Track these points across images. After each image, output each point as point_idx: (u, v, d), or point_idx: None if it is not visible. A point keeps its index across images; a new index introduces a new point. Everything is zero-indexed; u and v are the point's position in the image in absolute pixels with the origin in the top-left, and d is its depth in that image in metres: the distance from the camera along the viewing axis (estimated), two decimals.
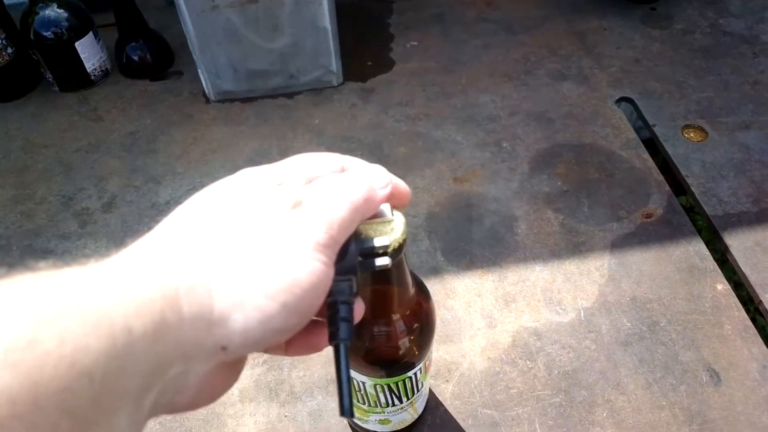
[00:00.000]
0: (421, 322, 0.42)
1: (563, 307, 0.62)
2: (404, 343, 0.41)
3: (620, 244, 0.68)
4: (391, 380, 0.43)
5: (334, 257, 0.27)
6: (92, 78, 0.90)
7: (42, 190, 0.77)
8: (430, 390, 0.56)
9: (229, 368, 0.26)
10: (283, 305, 0.24)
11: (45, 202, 0.76)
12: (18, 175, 0.79)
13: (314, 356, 0.59)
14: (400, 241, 0.31)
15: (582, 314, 0.62)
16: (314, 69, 0.85)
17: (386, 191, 0.30)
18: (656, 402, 0.55)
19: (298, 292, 0.24)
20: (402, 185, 0.32)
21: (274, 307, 0.24)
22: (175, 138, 0.83)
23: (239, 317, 0.24)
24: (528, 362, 0.58)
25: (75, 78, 0.89)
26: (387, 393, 0.44)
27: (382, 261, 0.31)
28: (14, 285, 0.19)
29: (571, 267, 0.66)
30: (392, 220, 0.31)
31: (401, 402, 0.46)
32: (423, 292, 0.42)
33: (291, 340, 0.28)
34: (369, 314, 0.40)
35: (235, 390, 0.57)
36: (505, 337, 0.60)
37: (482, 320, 0.61)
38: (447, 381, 0.57)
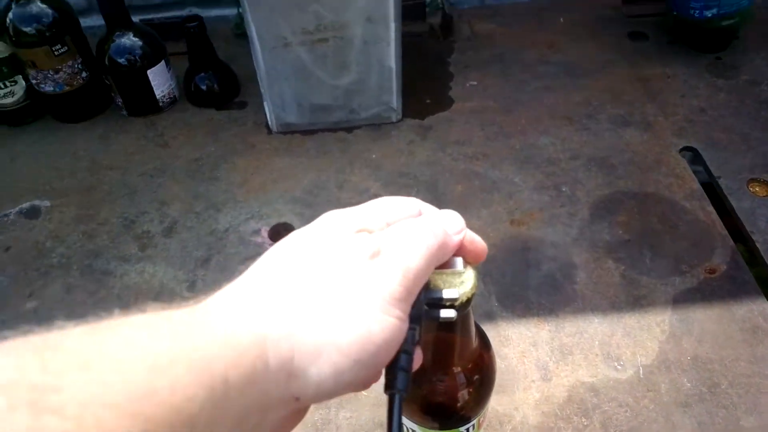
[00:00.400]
0: (482, 375, 0.41)
1: (622, 363, 0.60)
2: (462, 395, 0.40)
3: (682, 299, 0.65)
4: None
5: (408, 310, 0.27)
6: (160, 104, 0.94)
7: (105, 211, 0.80)
8: None
9: (296, 413, 0.27)
10: (356, 361, 0.24)
11: (108, 223, 0.78)
12: (83, 195, 0.83)
13: (363, 398, 0.59)
14: (469, 295, 0.31)
15: (641, 371, 0.59)
16: (375, 105, 0.86)
17: (460, 237, 0.30)
18: None
19: (371, 349, 0.25)
20: (478, 240, 0.32)
21: (347, 362, 0.24)
22: (237, 166, 0.85)
23: (314, 370, 0.24)
24: (584, 419, 0.56)
25: (144, 103, 0.93)
26: None
27: (448, 313, 0.31)
28: (128, 329, 0.20)
29: (631, 321, 0.63)
30: (463, 272, 0.31)
31: None
32: (485, 344, 0.42)
33: None
34: (429, 363, 0.39)
35: None
36: (561, 391, 0.58)
37: (537, 372, 0.60)
38: None
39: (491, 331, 0.63)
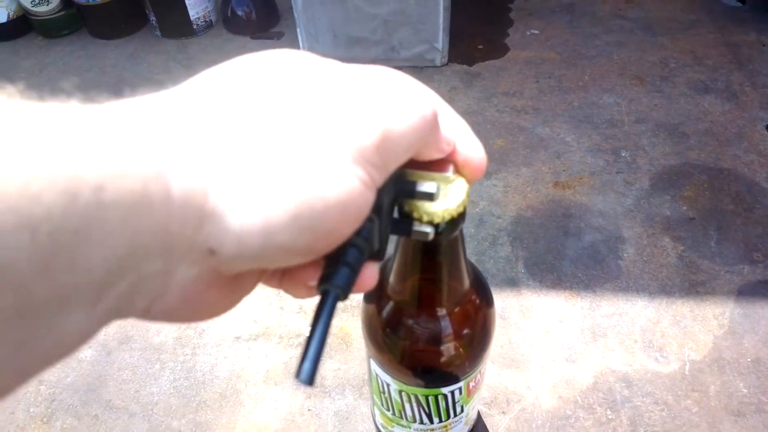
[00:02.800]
0: (474, 329, 0.33)
1: (665, 354, 0.50)
2: (447, 348, 0.32)
3: (749, 292, 0.54)
4: (420, 391, 0.34)
5: (378, 180, 0.19)
6: (194, 27, 0.88)
7: None
8: (481, 420, 0.47)
9: (226, 285, 0.20)
10: (295, 217, 0.17)
11: None
12: None
13: (354, 351, 0.52)
14: (453, 213, 0.23)
15: (687, 367, 0.49)
16: (418, 43, 0.77)
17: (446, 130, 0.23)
18: None
19: (317, 206, 0.17)
20: (477, 148, 0.24)
21: (283, 216, 0.17)
22: None
23: (236, 218, 0.17)
24: (609, 412, 0.47)
25: (178, 25, 0.88)
26: (414, 405, 0.35)
27: (424, 229, 0.23)
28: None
29: (683, 309, 0.53)
30: (453, 181, 0.23)
31: (431, 422, 0.37)
32: (483, 295, 0.33)
33: (288, 270, 0.21)
34: (411, 301, 0.31)
35: (261, 369, 0.51)
36: (586, 376, 0.49)
37: (560, 351, 0.51)
38: (504, 413, 0.47)
39: (512, 299, 0.54)
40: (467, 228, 0.60)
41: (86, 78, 0.83)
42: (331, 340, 0.53)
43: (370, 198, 0.19)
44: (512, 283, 0.56)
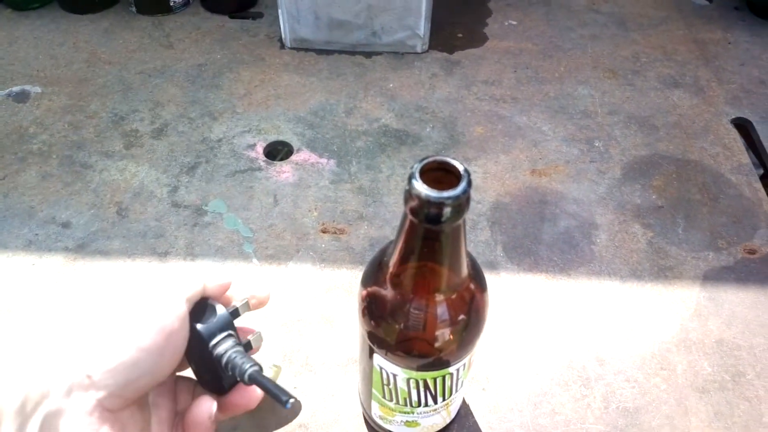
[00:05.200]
0: (469, 315, 0.34)
1: (635, 335, 0.53)
2: (444, 333, 0.33)
3: (714, 277, 0.57)
4: (428, 374, 0.35)
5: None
6: (171, 4, 0.87)
7: (96, 104, 0.74)
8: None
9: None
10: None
11: (96, 117, 0.72)
12: (76, 86, 0.76)
13: (338, 331, 0.52)
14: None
15: (656, 347, 0.52)
16: (399, 29, 0.78)
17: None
18: None
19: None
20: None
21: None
22: (241, 77, 0.78)
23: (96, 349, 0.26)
24: (583, 389, 0.49)
25: (155, 1, 0.86)
26: (422, 390, 0.36)
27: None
28: None
29: (652, 292, 0.56)
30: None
31: (435, 403, 0.38)
32: (479, 283, 0.35)
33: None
34: (410, 290, 0.32)
35: None
36: (561, 355, 0.51)
37: (537, 331, 0.53)
38: (483, 389, 0.49)
39: (492, 281, 0.56)
40: None
41: (58, 53, 0.81)
42: (316, 320, 0.53)
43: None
44: (491, 266, 0.57)
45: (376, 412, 0.42)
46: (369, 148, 0.69)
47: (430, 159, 0.28)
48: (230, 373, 0.29)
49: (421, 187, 0.27)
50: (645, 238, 0.60)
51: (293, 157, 0.68)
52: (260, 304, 0.34)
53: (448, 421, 0.43)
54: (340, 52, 0.81)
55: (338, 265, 0.58)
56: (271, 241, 0.60)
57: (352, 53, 0.81)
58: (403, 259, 0.31)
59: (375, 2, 0.74)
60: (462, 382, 0.38)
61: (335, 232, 0.61)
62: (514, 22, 0.87)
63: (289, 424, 0.47)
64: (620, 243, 0.60)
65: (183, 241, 0.59)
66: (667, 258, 0.59)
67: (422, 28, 0.77)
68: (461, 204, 0.28)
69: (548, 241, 0.60)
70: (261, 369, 0.29)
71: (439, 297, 0.32)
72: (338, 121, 0.72)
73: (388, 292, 0.33)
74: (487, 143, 0.69)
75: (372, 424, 0.45)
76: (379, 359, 0.36)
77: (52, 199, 0.63)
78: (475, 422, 0.47)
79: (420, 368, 0.35)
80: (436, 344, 0.34)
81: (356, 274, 0.57)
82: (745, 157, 0.69)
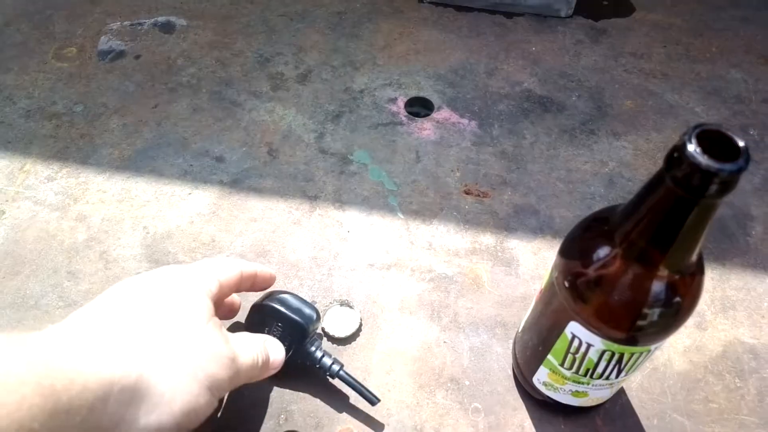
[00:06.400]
0: (689, 296, 0.34)
1: None
2: (663, 312, 0.33)
3: None
4: (628, 349, 0.35)
5: (223, 393, 0.37)
6: None
7: (241, 43, 0.75)
8: None
9: None
10: (178, 425, 0.32)
11: (242, 55, 0.73)
12: (220, 22, 0.77)
13: (485, 293, 0.53)
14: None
15: None
16: None
17: (276, 370, 0.42)
18: None
19: (193, 419, 0.34)
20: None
21: (171, 423, 0.32)
22: (381, 29, 0.77)
23: (143, 421, 0.31)
24: (737, 380, 0.49)
25: None
26: (612, 363, 0.36)
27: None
28: None
29: None
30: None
31: (617, 377, 0.38)
32: (701, 264, 0.34)
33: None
34: (641, 262, 0.32)
35: (396, 297, 0.52)
36: (715, 344, 0.50)
37: (692, 318, 0.52)
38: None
39: None
40: (597, 187, 0.61)
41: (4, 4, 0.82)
42: (462, 279, 0.54)
43: (213, 406, 0.35)
44: None
45: (542, 378, 0.43)
46: (511, 112, 0.68)
47: (709, 126, 0.27)
48: (317, 366, 0.45)
49: (699, 154, 0.26)
50: None
51: (434, 115, 0.68)
52: (266, 282, 0.45)
53: (611, 395, 0.44)
54: (480, 10, 0.79)
55: (482, 228, 0.58)
56: (415, 197, 0.60)
57: (492, 12, 0.79)
58: (641, 227, 0.31)
59: None
60: (647, 360, 0.38)
61: (478, 195, 0.60)
62: None
63: (441, 376, 0.48)
64: None
65: (331, 186, 0.60)
66: None
67: None
68: (735, 180, 0.27)
69: None
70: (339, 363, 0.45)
71: (666, 274, 0.32)
72: (479, 82, 0.71)
73: (609, 258, 0.33)
74: (638, 119, 0.67)
75: (527, 388, 0.46)
76: (575, 327, 0.36)
77: (204, 133, 0.65)
78: (627, 400, 0.47)
79: (622, 341, 0.35)
80: (647, 321, 0.34)
81: (501, 239, 0.57)
82: None
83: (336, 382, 0.45)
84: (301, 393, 0.46)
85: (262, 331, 0.44)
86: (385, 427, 0.45)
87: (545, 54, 0.74)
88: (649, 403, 0.47)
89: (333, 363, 0.44)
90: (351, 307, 0.51)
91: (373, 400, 0.44)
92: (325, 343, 0.49)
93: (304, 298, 0.46)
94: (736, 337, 0.51)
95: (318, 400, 0.46)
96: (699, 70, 0.73)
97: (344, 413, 0.45)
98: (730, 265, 0.55)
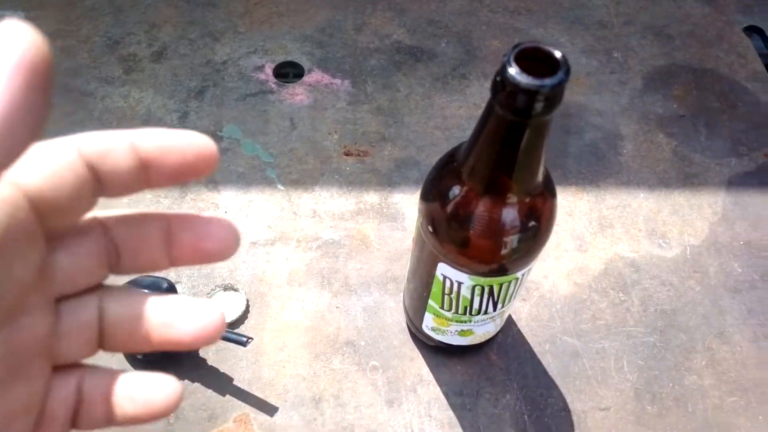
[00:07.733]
0: (542, 218, 0.34)
1: (667, 240, 0.54)
2: (517, 238, 0.33)
3: (738, 182, 0.58)
4: (495, 280, 0.35)
5: None
6: None
7: (87, 28, 0.69)
8: None
9: None
10: None
11: (89, 41, 0.67)
12: (62, 9, 0.71)
13: (374, 251, 0.52)
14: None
15: (688, 251, 0.53)
16: None
17: None
18: (764, 359, 0.47)
19: None
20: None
21: None
22: None
23: None
24: (621, 294, 0.50)
25: None
26: (485, 297, 0.36)
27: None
28: None
29: (680, 199, 0.56)
30: None
31: (495, 309, 0.38)
32: (550, 186, 0.34)
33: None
34: (487, 192, 0.31)
35: (283, 271, 0.50)
36: (597, 263, 0.52)
37: (572, 242, 0.53)
38: (524, 300, 0.50)
39: None
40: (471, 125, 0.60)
41: None
42: (349, 242, 0.52)
43: None
44: None
45: (429, 324, 0.43)
46: (383, 66, 0.66)
47: (526, 45, 0.27)
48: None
49: (518, 74, 0.25)
50: (669, 147, 0.60)
51: (305, 79, 0.65)
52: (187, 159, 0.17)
53: (498, 329, 0.44)
54: None
55: (365, 187, 0.57)
56: (294, 166, 0.58)
57: None
58: (483, 159, 0.30)
59: None
60: (522, 285, 0.38)
61: (359, 155, 0.59)
62: None
63: (337, 341, 0.47)
64: (646, 152, 0.60)
65: None
66: (692, 165, 0.59)
67: None
68: (558, 94, 0.27)
69: (575, 153, 0.59)
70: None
71: (516, 200, 0.32)
72: (348, 39, 0.69)
73: (461, 195, 0.32)
74: None
75: (421, 337, 0.46)
76: (444, 268, 0.36)
77: (53, 130, 0.59)
78: (518, 330, 0.48)
79: (487, 274, 0.35)
80: (508, 249, 0.33)
81: (385, 196, 0.56)
82: (759, 65, 0.69)
83: (214, 360, 0.43)
84: (186, 386, 0.44)
85: None
86: (284, 403, 0.44)
87: (411, 3, 0.73)
88: (539, 330, 0.48)
89: None
90: (236, 290, 0.49)
91: (241, 341, 0.42)
92: None
93: (172, 281, 0.44)
94: (616, 253, 0.53)
95: (210, 391, 0.44)
96: (561, 1, 0.74)
97: (235, 399, 0.43)
98: (605, 185, 0.57)
